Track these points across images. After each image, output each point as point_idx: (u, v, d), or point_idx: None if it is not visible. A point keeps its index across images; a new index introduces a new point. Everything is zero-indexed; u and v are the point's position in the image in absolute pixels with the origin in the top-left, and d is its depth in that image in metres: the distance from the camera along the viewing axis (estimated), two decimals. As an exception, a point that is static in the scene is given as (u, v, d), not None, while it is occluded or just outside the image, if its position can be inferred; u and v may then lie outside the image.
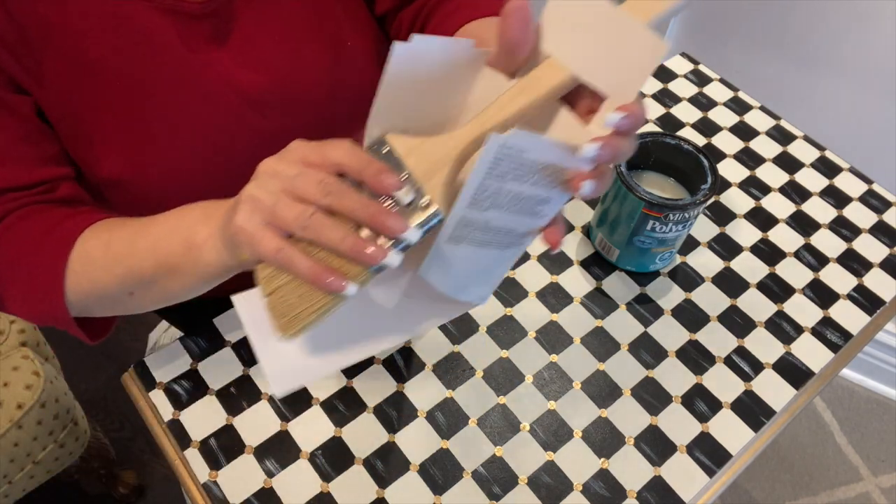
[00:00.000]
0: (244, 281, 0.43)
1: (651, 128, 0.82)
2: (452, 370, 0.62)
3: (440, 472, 0.57)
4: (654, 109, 0.84)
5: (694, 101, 0.86)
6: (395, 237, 0.36)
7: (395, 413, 0.60)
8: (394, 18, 0.64)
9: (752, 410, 0.62)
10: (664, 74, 0.88)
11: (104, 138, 0.54)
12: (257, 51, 0.58)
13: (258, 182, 0.38)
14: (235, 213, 0.38)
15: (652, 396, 0.62)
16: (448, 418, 0.60)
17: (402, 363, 0.62)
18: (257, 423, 0.58)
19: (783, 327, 0.67)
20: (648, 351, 0.65)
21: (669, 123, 0.83)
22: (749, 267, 0.71)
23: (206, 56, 0.56)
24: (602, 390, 0.62)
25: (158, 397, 0.59)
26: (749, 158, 0.81)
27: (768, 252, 0.72)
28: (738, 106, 0.86)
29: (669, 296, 0.68)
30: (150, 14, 0.53)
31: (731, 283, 0.70)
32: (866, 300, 0.69)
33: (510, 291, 0.68)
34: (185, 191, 0.51)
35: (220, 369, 0.61)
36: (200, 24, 0.55)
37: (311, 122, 0.63)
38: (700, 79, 0.88)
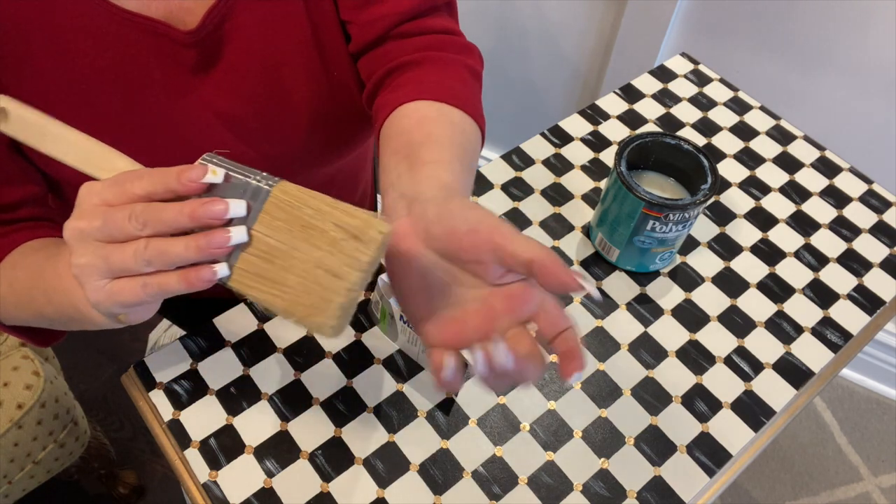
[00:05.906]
0: None
1: (651, 128, 0.82)
2: (452, 370, 0.62)
3: (440, 472, 0.57)
4: (654, 109, 0.84)
5: (694, 101, 0.86)
6: (222, 217, 0.37)
7: (395, 413, 0.60)
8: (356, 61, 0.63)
9: (752, 410, 0.62)
10: (664, 74, 0.88)
11: None
12: (241, 80, 0.58)
13: (74, 251, 0.38)
14: (85, 293, 0.39)
15: (652, 396, 0.62)
16: (448, 418, 0.60)
17: (402, 363, 0.62)
18: (257, 423, 0.58)
19: (783, 327, 0.67)
20: (648, 351, 0.65)
21: (669, 123, 0.83)
22: (749, 267, 0.71)
23: (189, 83, 0.56)
24: (602, 390, 0.62)
25: (158, 397, 0.59)
26: (749, 158, 0.81)
27: (768, 252, 0.72)
28: (738, 106, 0.86)
29: (669, 296, 0.68)
30: (139, 36, 0.52)
31: (731, 283, 0.70)
32: (866, 300, 0.69)
33: (510, 291, 0.68)
34: None
35: (220, 369, 0.61)
36: (188, 51, 0.54)
37: (293, 150, 0.64)
38: (700, 79, 0.88)
